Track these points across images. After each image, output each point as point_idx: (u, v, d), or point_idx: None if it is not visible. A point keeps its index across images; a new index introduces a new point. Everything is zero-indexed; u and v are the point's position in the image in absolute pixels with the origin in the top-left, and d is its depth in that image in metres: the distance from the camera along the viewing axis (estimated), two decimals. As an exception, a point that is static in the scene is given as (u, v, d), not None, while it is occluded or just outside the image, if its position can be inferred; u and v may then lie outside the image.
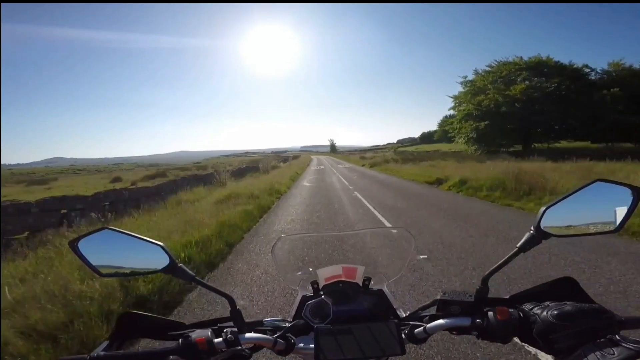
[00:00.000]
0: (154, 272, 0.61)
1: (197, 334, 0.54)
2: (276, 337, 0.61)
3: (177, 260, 0.60)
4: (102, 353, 0.51)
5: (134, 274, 0.62)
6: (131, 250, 0.60)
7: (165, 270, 0.60)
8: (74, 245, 0.58)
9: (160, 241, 0.61)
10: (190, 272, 0.61)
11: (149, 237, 0.61)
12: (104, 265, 0.60)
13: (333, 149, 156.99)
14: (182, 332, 0.58)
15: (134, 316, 0.58)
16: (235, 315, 0.62)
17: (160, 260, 0.60)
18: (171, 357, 0.51)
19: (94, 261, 0.59)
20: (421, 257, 4.00)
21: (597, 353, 0.42)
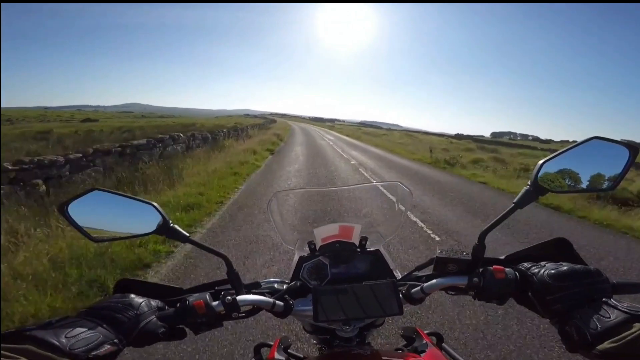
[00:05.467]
0: (147, 234, 0.57)
1: (194, 298, 0.53)
2: (274, 298, 0.59)
3: (169, 221, 0.56)
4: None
5: (127, 237, 0.58)
6: (122, 211, 0.56)
7: (158, 231, 0.56)
8: (63, 209, 0.53)
9: (152, 201, 0.56)
10: (183, 232, 0.57)
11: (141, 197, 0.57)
12: (95, 228, 0.55)
13: None
14: (180, 297, 0.56)
15: (130, 282, 0.56)
16: (232, 276, 0.59)
17: (153, 220, 0.56)
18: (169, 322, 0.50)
19: (85, 225, 0.54)
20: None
21: (594, 316, 0.43)
